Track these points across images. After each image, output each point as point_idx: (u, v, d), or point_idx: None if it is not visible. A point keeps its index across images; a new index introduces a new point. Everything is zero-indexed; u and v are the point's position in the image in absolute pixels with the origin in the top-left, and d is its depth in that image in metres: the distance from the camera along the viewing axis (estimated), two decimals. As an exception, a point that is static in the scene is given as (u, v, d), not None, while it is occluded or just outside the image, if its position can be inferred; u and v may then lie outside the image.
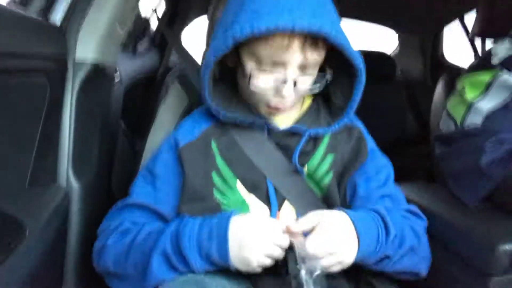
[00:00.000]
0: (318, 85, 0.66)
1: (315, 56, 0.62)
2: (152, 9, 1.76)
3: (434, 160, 1.23)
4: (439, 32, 2.09)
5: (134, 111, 1.47)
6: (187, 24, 2.03)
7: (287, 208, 0.70)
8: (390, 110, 1.93)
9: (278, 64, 0.61)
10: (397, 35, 2.31)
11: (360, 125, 0.77)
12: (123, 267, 0.61)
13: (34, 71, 0.66)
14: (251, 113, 0.70)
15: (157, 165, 0.70)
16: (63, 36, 0.78)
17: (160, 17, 1.82)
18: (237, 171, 0.69)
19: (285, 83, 0.61)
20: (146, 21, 1.78)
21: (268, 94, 0.64)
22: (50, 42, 0.73)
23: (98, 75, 0.84)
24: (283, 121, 0.72)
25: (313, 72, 0.65)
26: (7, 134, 0.62)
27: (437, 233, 1.00)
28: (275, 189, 0.69)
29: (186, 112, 0.85)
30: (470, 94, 1.06)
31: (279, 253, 0.57)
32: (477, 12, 1.33)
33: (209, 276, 0.59)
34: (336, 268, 0.58)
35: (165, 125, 0.88)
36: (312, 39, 0.59)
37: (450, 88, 1.24)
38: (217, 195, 0.67)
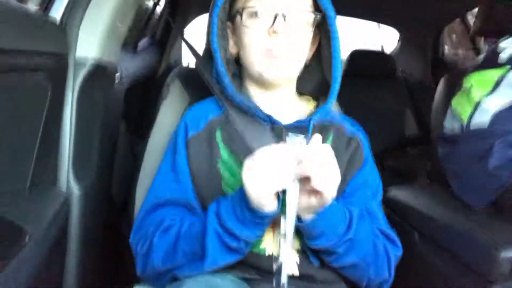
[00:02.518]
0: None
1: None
2: (154, 4, 1.73)
3: (435, 160, 1.22)
4: (440, 31, 2.08)
5: (135, 111, 1.45)
6: (187, 23, 2.01)
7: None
8: (390, 110, 1.93)
9: (267, 8, 0.65)
10: (398, 34, 2.30)
11: (361, 135, 0.76)
12: (173, 260, 0.62)
13: (34, 70, 0.65)
14: (255, 107, 0.70)
15: (177, 158, 0.69)
16: (63, 33, 0.76)
17: (160, 14, 1.80)
18: (242, 160, 0.66)
19: (275, 19, 0.64)
20: (147, 17, 1.75)
21: (262, 39, 0.66)
22: (50, 39, 0.71)
23: (99, 73, 0.82)
24: (287, 118, 0.71)
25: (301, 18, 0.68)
26: (9, 135, 0.60)
27: (437, 236, 1.00)
28: None
29: None
30: (477, 93, 1.03)
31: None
32: (478, 10, 1.32)
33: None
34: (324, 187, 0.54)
35: (166, 125, 0.86)
36: None
37: (451, 88, 1.22)
38: (225, 188, 0.67)
